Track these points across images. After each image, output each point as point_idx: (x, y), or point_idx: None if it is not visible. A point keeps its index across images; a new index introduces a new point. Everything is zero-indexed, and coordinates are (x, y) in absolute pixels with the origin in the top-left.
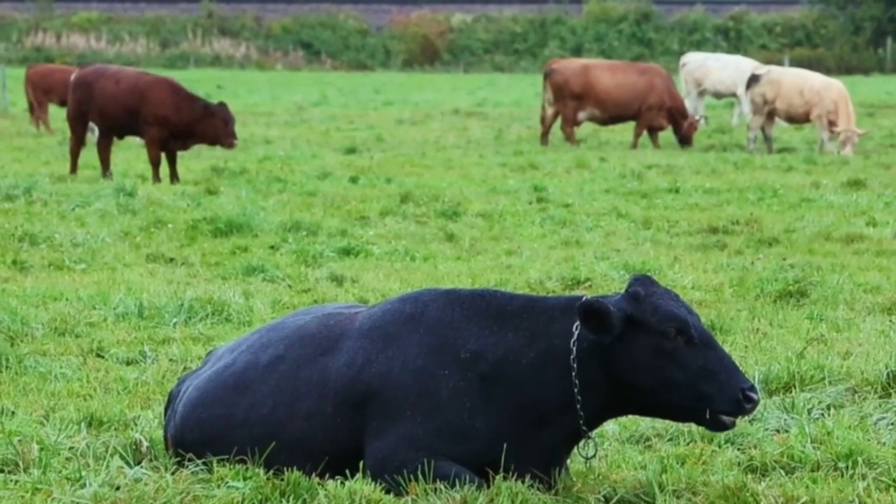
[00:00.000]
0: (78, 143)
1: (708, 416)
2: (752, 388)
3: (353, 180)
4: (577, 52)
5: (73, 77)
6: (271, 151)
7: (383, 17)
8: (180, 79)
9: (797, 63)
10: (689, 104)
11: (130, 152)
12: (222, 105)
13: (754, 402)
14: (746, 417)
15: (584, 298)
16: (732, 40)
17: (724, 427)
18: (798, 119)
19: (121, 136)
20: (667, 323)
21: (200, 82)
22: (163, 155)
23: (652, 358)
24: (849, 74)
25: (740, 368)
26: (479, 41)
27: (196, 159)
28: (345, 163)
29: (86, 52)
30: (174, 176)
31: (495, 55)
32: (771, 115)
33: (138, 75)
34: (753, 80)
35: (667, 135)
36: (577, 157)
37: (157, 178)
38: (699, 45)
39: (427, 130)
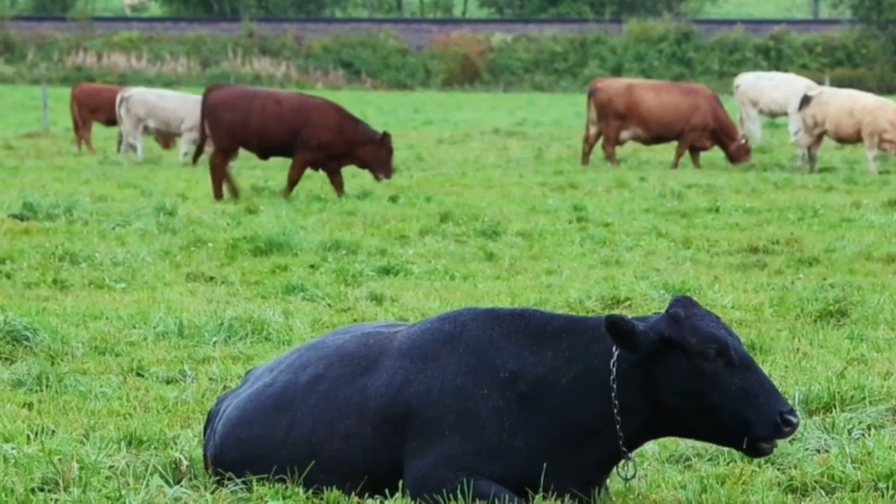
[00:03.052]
0: (224, 166)
1: (745, 444)
2: (792, 412)
3: (393, 199)
4: (618, 71)
5: (208, 100)
6: (311, 170)
7: (423, 36)
8: None
9: (838, 82)
10: (751, 127)
11: (171, 171)
12: (387, 135)
13: (793, 426)
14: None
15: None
16: (773, 60)
17: (761, 453)
18: (848, 139)
19: (266, 158)
20: (707, 344)
21: None
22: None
23: (691, 379)
24: (890, 94)
25: (780, 390)
26: (520, 61)
27: (236, 178)
28: (384, 182)
29: (126, 71)
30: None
31: (535, 75)
32: (820, 136)
33: (301, 97)
34: (805, 101)
35: (707, 154)
36: (617, 177)
37: (289, 191)
38: (739, 65)
39: (467, 150)
